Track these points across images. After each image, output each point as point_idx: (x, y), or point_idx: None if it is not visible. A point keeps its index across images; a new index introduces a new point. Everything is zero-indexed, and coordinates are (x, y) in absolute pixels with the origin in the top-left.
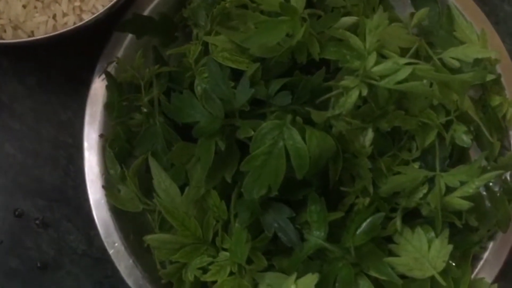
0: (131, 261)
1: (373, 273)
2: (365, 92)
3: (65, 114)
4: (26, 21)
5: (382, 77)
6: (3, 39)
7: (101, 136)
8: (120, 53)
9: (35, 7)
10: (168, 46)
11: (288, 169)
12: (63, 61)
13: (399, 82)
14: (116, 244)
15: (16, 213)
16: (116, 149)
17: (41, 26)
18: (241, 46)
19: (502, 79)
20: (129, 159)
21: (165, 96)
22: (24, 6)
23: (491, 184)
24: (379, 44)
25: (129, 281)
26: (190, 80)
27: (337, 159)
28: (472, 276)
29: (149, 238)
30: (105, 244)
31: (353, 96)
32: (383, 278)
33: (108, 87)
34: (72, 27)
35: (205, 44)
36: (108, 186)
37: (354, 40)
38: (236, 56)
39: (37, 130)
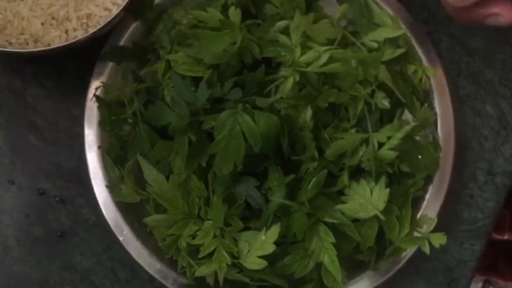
0: (138, 243)
1: (327, 219)
2: (297, 78)
3: (77, 110)
4: (44, 35)
5: (308, 64)
6: (26, 49)
7: (99, 147)
8: (105, 77)
9: (51, 24)
10: (143, 67)
11: (248, 148)
12: (75, 66)
13: (322, 66)
14: (124, 232)
15: (40, 191)
16: (113, 156)
17: (56, 39)
18: (196, 58)
19: (419, 51)
20: (124, 162)
21: (144, 107)
22: (42, 24)
23: (417, 137)
24: (303, 39)
25: (139, 260)
26: (162, 91)
27: (284, 134)
28: (418, 215)
29: (148, 220)
30: (115, 232)
31: (289, 82)
32: (335, 221)
33: (99, 108)
34: (80, 38)
35: (169, 61)
36: (111, 186)
37: (283, 38)
38: (193, 67)
39: (55, 124)
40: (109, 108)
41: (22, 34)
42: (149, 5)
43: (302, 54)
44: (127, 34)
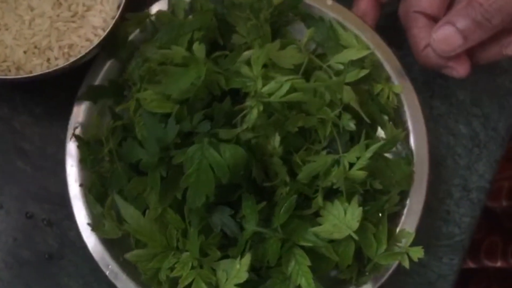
0: (124, 276)
1: (302, 243)
2: (261, 108)
3: (64, 136)
4: (26, 63)
5: (270, 94)
6: (8, 76)
7: (81, 185)
8: (84, 115)
9: (34, 53)
10: (120, 104)
11: (219, 179)
12: (63, 94)
13: (284, 96)
14: (110, 266)
15: (27, 215)
16: (95, 193)
17: (37, 67)
18: (165, 94)
19: (388, 69)
20: (106, 199)
21: (121, 144)
22: (24, 52)
23: (388, 155)
24: (266, 69)
25: None
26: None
27: (251, 163)
28: (397, 230)
29: (129, 255)
30: (101, 267)
31: (254, 113)
32: (310, 244)
33: (78, 147)
34: (60, 66)
35: (139, 99)
36: (94, 222)
37: (245, 70)
38: (163, 103)
39: (43, 149)
40: (88, 146)
41: (5, 61)
42: (122, 42)
43: (264, 84)
44: (102, 73)
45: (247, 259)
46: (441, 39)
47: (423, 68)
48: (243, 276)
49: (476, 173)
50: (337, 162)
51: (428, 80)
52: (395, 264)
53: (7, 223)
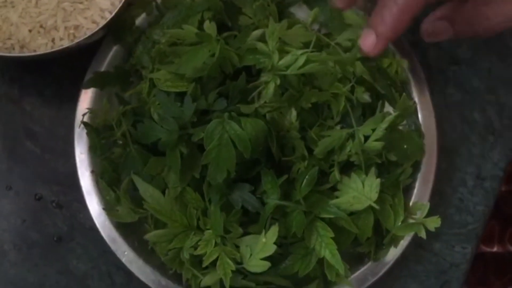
0: (141, 262)
1: (324, 215)
2: (278, 82)
3: (73, 118)
4: (31, 42)
5: (287, 67)
6: (12, 54)
7: (92, 172)
8: (91, 102)
9: (39, 32)
10: (127, 90)
11: (239, 155)
12: (72, 75)
13: (301, 68)
14: (126, 253)
15: (36, 197)
16: (107, 179)
17: (42, 46)
18: (178, 74)
19: (391, 45)
20: (118, 184)
21: (133, 127)
22: (30, 31)
23: (400, 127)
24: (279, 44)
25: (143, 278)
26: (149, 110)
27: (271, 137)
28: (410, 203)
29: (149, 236)
30: (117, 254)
31: (271, 87)
32: (332, 216)
33: (88, 134)
34: (65, 46)
35: (152, 80)
36: (108, 208)
37: (260, 46)
38: (177, 82)
39: (52, 131)
40: (98, 133)
41: (9, 39)
42: (129, 26)
43: (280, 58)
44: (107, 60)
45: (274, 231)
46: (434, 31)
47: (438, 55)
48: (271, 249)
49: (490, 161)
50: (351, 136)
51: (442, 67)
52: (410, 236)
53: (16, 204)
